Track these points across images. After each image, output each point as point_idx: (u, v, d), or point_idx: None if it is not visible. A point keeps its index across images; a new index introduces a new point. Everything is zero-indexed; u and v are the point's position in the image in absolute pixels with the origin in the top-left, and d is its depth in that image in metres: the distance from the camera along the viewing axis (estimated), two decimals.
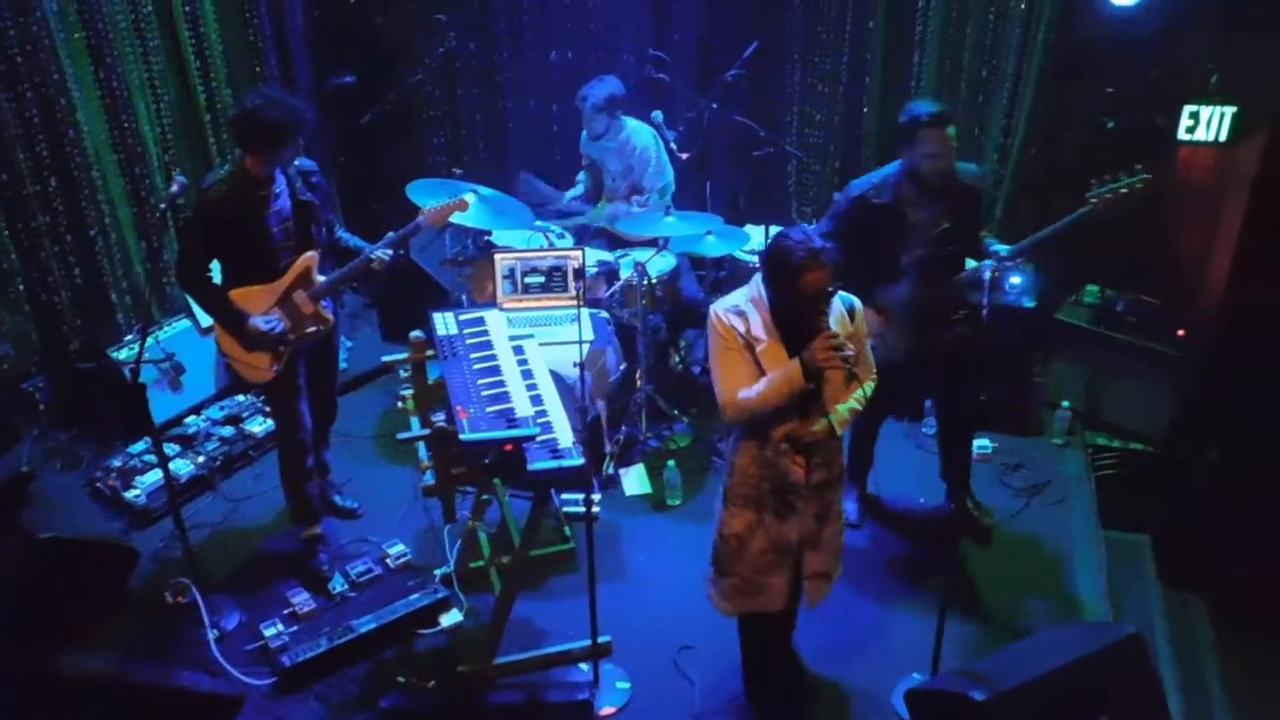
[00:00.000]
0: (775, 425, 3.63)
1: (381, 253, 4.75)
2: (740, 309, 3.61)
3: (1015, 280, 5.79)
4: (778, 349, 3.56)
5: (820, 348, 3.41)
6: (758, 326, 3.57)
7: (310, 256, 4.65)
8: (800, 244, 3.41)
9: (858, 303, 3.73)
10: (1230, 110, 5.71)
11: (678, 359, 6.54)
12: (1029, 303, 5.82)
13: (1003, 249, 4.47)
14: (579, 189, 6.70)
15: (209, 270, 4.57)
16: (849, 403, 3.69)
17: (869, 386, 3.74)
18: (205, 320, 6.21)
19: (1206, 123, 5.80)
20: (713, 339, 3.65)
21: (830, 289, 3.49)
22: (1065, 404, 5.92)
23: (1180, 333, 5.73)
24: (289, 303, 4.65)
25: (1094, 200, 4.24)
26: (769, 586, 3.84)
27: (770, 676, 4.28)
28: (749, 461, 3.72)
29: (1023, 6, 6.10)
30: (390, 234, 4.78)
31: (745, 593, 3.87)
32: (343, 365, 5.90)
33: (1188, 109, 5.83)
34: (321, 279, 4.70)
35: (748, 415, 3.61)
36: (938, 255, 4.48)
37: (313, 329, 4.72)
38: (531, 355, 4.25)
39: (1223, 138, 5.80)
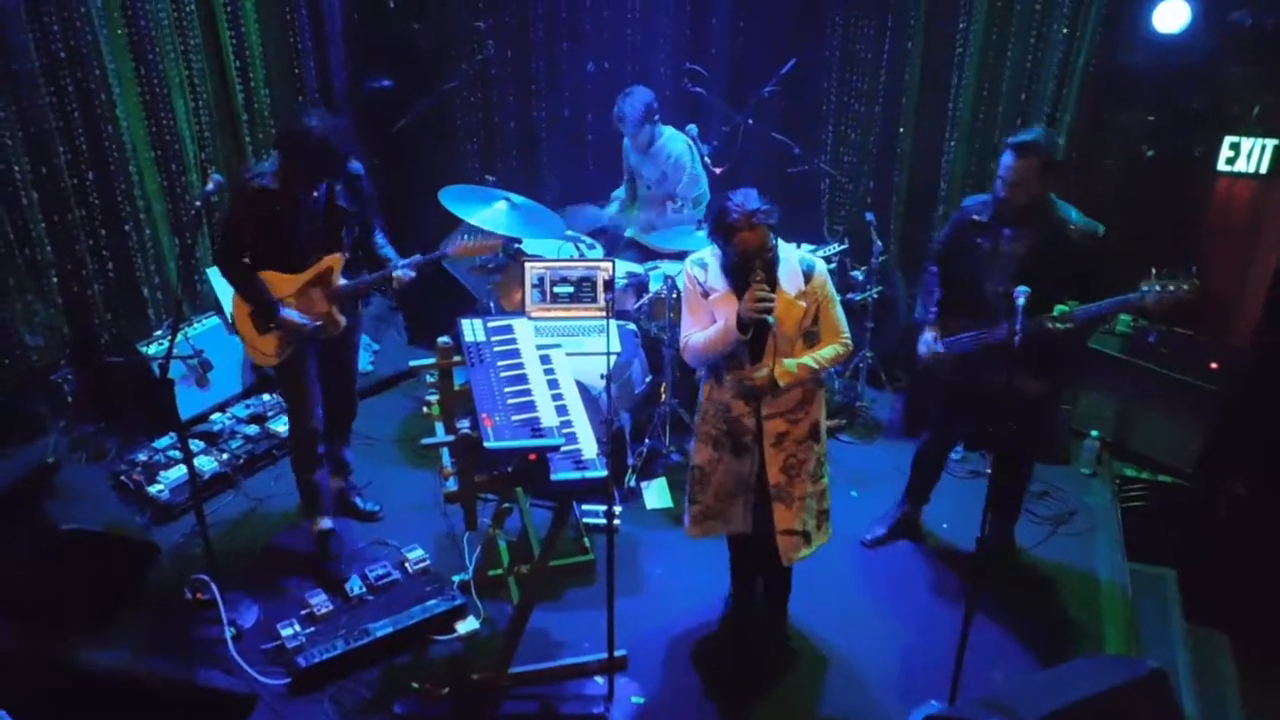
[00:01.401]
0: (727, 369, 4.03)
1: (404, 271, 4.75)
2: (704, 261, 4.06)
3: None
4: (729, 298, 3.93)
5: (748, 299, 3.76)
6: (714, 277, 4.00)
7: (335, 258, 4.66)
8: (737, 206, 3.77)
9: (818, 265, 3.99)
10: (1271, 143, 5.68)
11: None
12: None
13: (1055, 311, 4.33)
14: (615, 205, 6.70)
15: (246, 254, 4.60)
16: (804, 359, 3.96)
17: (831, 350, 4.02)
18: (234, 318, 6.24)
19: (1247, 155, 5.77)
20: (683, 288, 4.16)
21: (765, 248, 3.78)
22: (1094, 433, 5.86)
23: (1213, 365, 5.66)
24: (305, 297, 4.67)
25: (1145, 291, 4.15)
26: (732, 510, 4.23)
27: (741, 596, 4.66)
28: (708, 400, 4.19)
29: (1064, 31, 6.06)
30: (418, 255, 4.79)
31: (710, 517, 4.30)
32: (368, 368, 5.92)
33: (1228, 140, 5.80)
34: (343, 282, 4.72)
35: (696, 356, 4.10)
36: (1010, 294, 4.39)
37: (318, 325, 4.71)
38: (558, 365, 4.24)
39: (1263, 170, 5.76)
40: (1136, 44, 5.89)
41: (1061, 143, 4.37)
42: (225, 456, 5.64)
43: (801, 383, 4.01)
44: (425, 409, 4.26)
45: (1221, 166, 5.87)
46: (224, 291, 6.25)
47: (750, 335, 3.87)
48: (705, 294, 4.00)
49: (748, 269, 3.80)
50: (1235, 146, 5.80)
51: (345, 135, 4.47)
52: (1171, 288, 4.10)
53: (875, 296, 6.14)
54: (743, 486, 4.16)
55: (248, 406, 6.09)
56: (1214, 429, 5.59)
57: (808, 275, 3.95)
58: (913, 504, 5.31)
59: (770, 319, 3.78)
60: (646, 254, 6.36)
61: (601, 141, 7.24)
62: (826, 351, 4.01)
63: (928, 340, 4.74)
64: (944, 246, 4.81)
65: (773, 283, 3.83)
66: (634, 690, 4.37)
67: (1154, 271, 4.13)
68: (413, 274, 4.76)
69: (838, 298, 4.06)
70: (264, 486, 5.68)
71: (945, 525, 5.40)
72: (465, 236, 4.95)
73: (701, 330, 4.02)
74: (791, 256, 3.97)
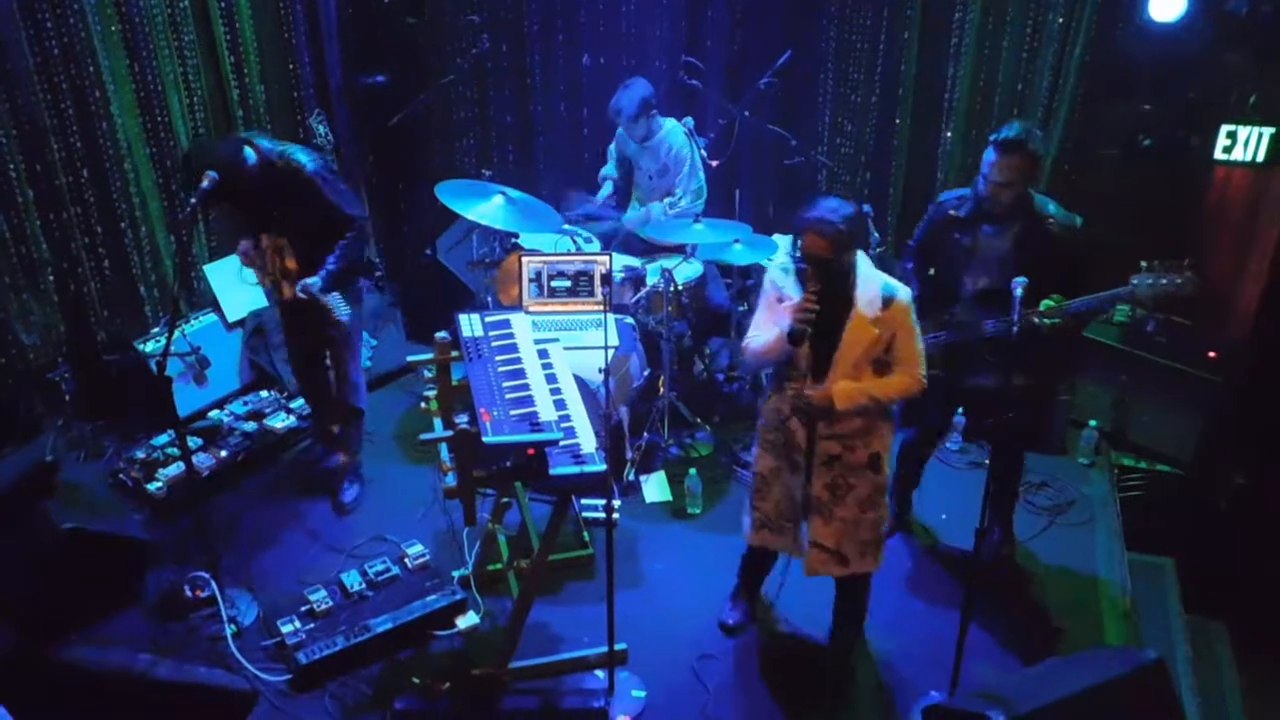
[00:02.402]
0: (788, 380, 3.97)
1: (299, 286, 4.88)
2: (787, 268, 3.97)
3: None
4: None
5: (794, 307, 3.76)
6: (791, 285, 3.90)
7: (277, 239, 4.93)
8: (812, 210, 3.76)
9: (901, 294, 3.83)
10: (1268, 131, 5.67)
11: (702, 367, 6.52)
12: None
13: (1041, 306, 4.30)
14: (609, 188, 6.68)
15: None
16: (866, 385, 3.85)
17: (899, 382, 3.89)
18: (232, 315, 6.24)
19: (1244, 143, 5.76)
20: (762, 289, 4.08)
21: (827, 259, 3.71)
22: (1092, 424, 5.86)
23: (1211, 355, 5.66)
24: (259, 249, 4.97)
25: (1135, 284, 4.13)
26: (788, 531, 4.21)
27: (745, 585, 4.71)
28: (769, 408, 4.12)
29: (1060, 21, 6.06)
30: (315, 279, 4.89)
31: (768, 528, 4.27)
32: (366, 364, 5.91)
33: (1225, 129, 5.80)
34: (290, 265, 4.95)
35: (750, 359, 4.10)
36: (994, 290, 4.34)
37: (270, 281, 5.01)
38: (556, 359, 4.23)
39: (1260, 159, 5.76)
40: (1133, 33, 5.89)
41: (1040, 135, 4.32)
42: (224, 453, 5.63)
43: (862, 409, 3.90)
44: (423, 404, 4.25)
45: (1218, 155, 5.86)
46: (221, 288, 6.25)
47: (801, 347, 3.82)
48: (780, 299, 3.92)
49: (810, 275, 3.76)
50: (1232, 135, 5.80)
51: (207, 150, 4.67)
52: (1164, 281, 4.09)
53: None
54: (796, 507, 4.12)
55: (246, 403, 6.08)
56: (1212, 419, 5.59)
57: (888, 301, 3.81)
58: (900, 509, 5.28)
59: (806, 329, 3.72)
60: (644, 247, 6.35)
61: (598, 135, 7.23)
62: (893, 382, 3.90)
63: None
64: (920, 242, 4.77)
65: (840, 299, 3.79)
66: (634, 684, 4.37)
67: (1144, 264, 4.12)
68: (301, 295, 4.87)
69: (918, 331, 3.93)
70: (264, 482, 5.68)
71: (944, 516, 5.40)
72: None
73: (763, 335, 3.97)
74: (874, 280, 3.84)
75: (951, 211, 4.51)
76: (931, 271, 4.67)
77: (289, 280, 4.96)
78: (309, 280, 4.87)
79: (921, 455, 5.20)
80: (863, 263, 3.86)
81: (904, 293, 3.85)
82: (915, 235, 4.85)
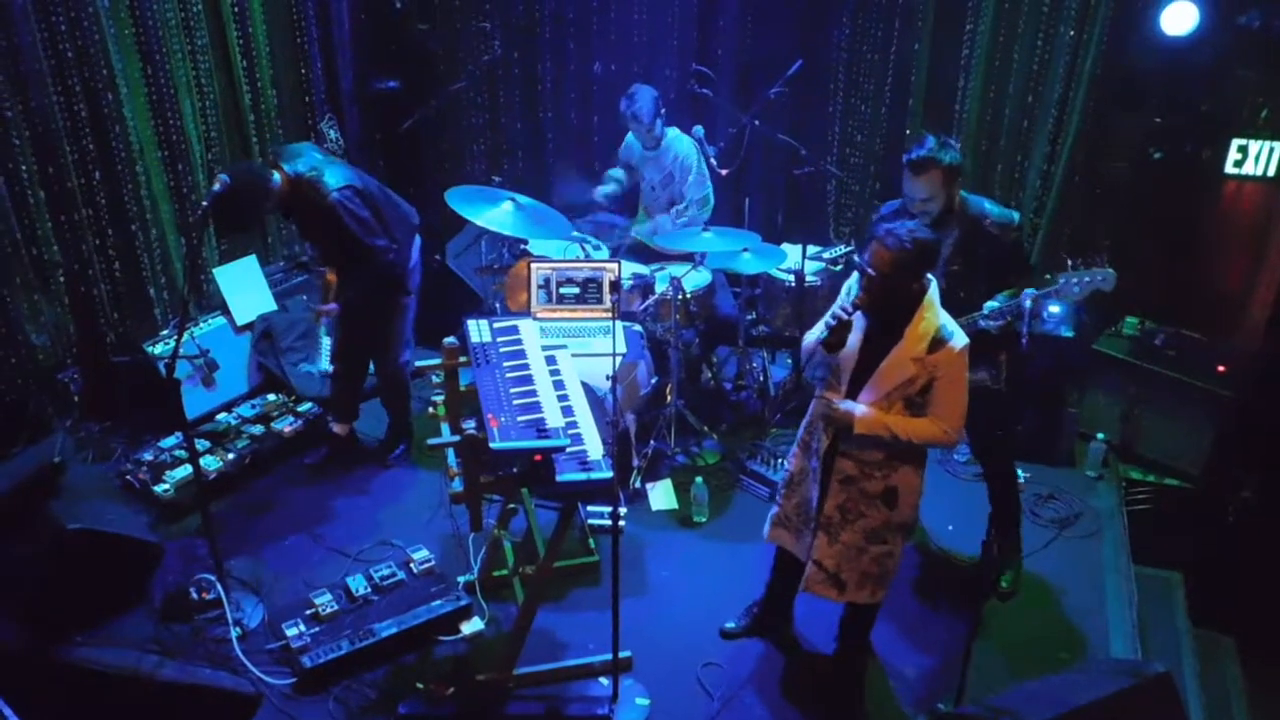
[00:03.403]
0: (825, 388, 3.95)
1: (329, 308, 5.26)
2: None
3: (1054, 309, 5.74)
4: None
5: (831, 311, 3.74)
6: (849, 292, 3.84)
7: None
8: (890, 222, 3.72)
9: (955, 341, 3.68)
10: None
11: (709, 375, 6.52)
12: (1067, 332, 5.76)
13: (992, 305, 4.29)
14: (611, 185, 6.68)
15: None
16: (887, 416, 3.75)
17: (924, 426, 3.76)
18: (240, 318, 6.26)
19: (1255, 157, 5.76)
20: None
21: (885, 273, 3.61)
22: (1100, 436, 5.84)
23: (1220, 369, 5.65)
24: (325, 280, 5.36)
25: (1062, 280, 4.12)
26: (803, 537, 4.15)
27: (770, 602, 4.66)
28: (810, 411, 4.08)
29: (1071, 34, 6.05)
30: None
31: (784, 526, 4.26)
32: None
33: (1236, 142, 5.79)
34: (330, 277, 5.30)
35: (803, 353, 4.01)
36: (947, 297, 4.38)
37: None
38: (564, 366, 4.24)
39: (1270, 172, 5.76)
40: (1144, 46, 5.88)
41: (955, 143, 4.30)
42: (231, 456, 5.63)
43: (881, 442, 3.80)
44: (431, 409, 4.25)
45: (1229, 169, 5.86)
46: (230, 292, 6.27)
47: (837, 354, 3.79)
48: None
49: (865, 286, 3.68)
50: (1243, 149, 5.79)
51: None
52: (1088, 278, 4.07)
53: None
54: (810, 513, 4.07)
55: (253, 406, 6.08)
56: (1221, 432, 5.58)
57: (937, 344, 3.66)
58: None
59: (825, 334, 3.72)
60: (652, 255, 6.36)
61: (608, 143, 7.24)
62: (920, 425, 3.75)
63: None
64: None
65: (897, 325, 3.69)
66: (638, 691, 4.36)
67: (1070, 262, 4.11)
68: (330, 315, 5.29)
69: (966, 384, 3.77)
70: (270, 486, 5.68)
71: (950, 528, 5.39)
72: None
73: (815, 333, 3.93)
74: (934, 320, 3.68)
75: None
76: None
77: (327, 293, 5.26)
78: (328, 307, 5.20)
79: None
80: (930, 297, 3.71)
81: (958, 340, 3.69)
82: (860, 255, 4.75)
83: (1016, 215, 4.37)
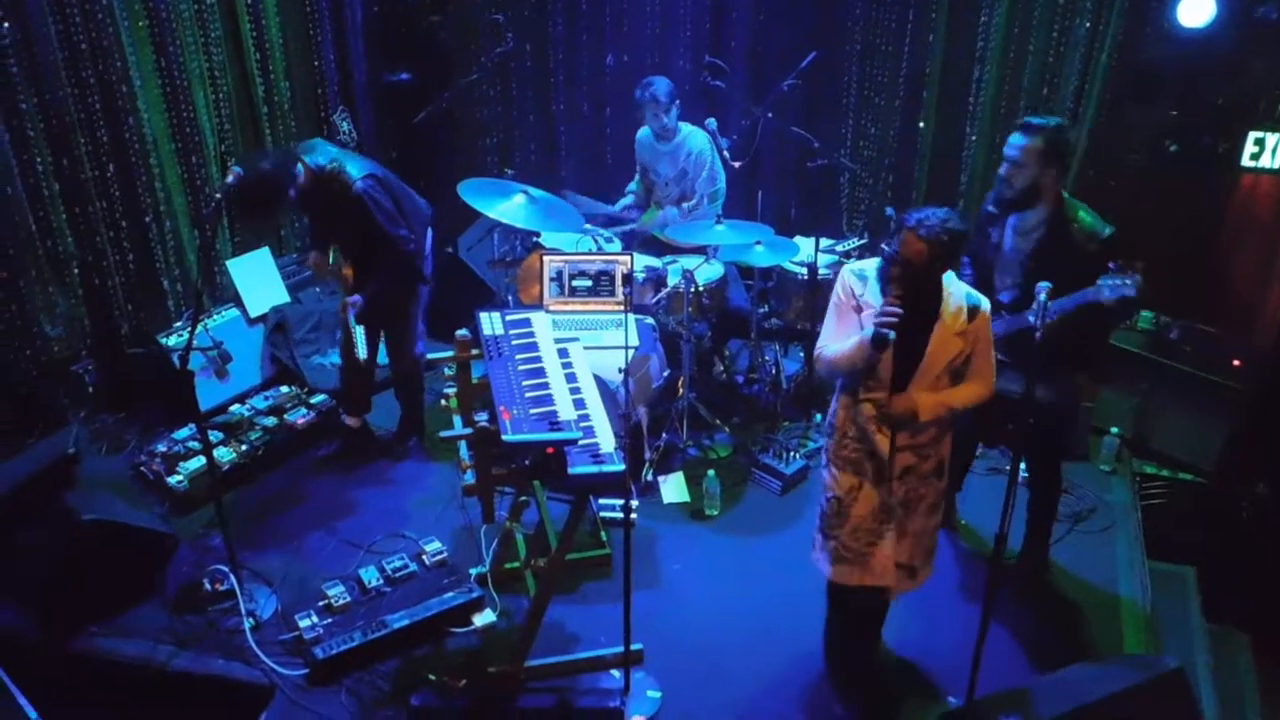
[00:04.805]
0: (864, 391, 3.84)
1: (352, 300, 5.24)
2: (865, 273, 3.83)
3: None
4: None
5: (880, 311, 3.60)
6: (873, 293, 3.75)
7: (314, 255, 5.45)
8: (920, 211, 3.62)
9: (984, 305, 3.78)
10: None
11: (721, 368, 6.52)
12: None
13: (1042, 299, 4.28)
14: (629, 199, 6.69)
15: None
16: (945, 396, 3.78)
17: (972, 391, 3.83)
18: (254, 310, 6.28)
19: (1271, 150, 5.71)
20: (833, 293, 3.90)
21: (921, 264, 3.57)
22: (1114, 430, 5.82)
23: (1236, 363, 5.62)
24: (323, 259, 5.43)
25: (1101, 284, 4.09)
26: (872, 557, 3.99)
27: (852, 657, 4.45)
28: (843, 421, 3.95)
29: (1087, 25, 6.02)
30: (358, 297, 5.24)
31: (848, 561, 4.03)
32: (385, 359, 5.96)
33: (1253, 135, 5.75)
34: (347, 272, 5.32)
35: (829, 369, 3.89)
36: (1020, 292, 4.36)
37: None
38: (576, 359, 4.24)
39: None
40: (1160, 38, 5.85)
41: (1075, 139, 4.28)
42: (244, 448, 5.65)
43: (938, 419, 3.84)
44: (443, 402, 4.27)
45: (1245, 162, 5.82)
46: (244, 283, 6.29)
47: (883, 355, 3.70)
48: (859, 308, 3.78)
49: (896, 278, 3.63)
50: (1260, 142, 5.74)
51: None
52: (1121, 284, 4.05)
53: None
54: (887, 520, 3.95)
55: (267, 398, 6.10)
56: (1236, 427, 5.54)
57: (973, 312, 3.74)
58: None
59: (890, 334, 3.57)
60: (664, 248, 6.35)
61: (620, 135, 7.24)
62: (966, 391, 3.82)
63: None
64: (973, 240, 4.71)
65: (926, 308, 3.69)
66: (650, 684, 4.36)
67: (1110, 267, 4.09)
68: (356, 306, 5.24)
69: (994, 341, 3.88)
70: (283, 477, 5.71)
71: (964, 522, 5.37)
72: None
73: (839, 343, 3.81)
74: (959, 291, 3.76)
75: (990, 208, 4.52)
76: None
77: (346, 287, 5.27)
78: (353, 299, 5.17)
79: (967, 451, 5.23)
80: (951, 275, 3.77)
81: (986, 304, 3.79)
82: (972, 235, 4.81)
83: (1109, 230, 4.28)
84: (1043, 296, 3.66)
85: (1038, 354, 3.56)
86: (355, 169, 5.02)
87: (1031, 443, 4.55)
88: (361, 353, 5.38)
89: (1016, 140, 4.25)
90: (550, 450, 3.69)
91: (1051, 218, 4.31)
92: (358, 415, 5.86)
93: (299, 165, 4.94)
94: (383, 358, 5.82)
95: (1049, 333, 3.57)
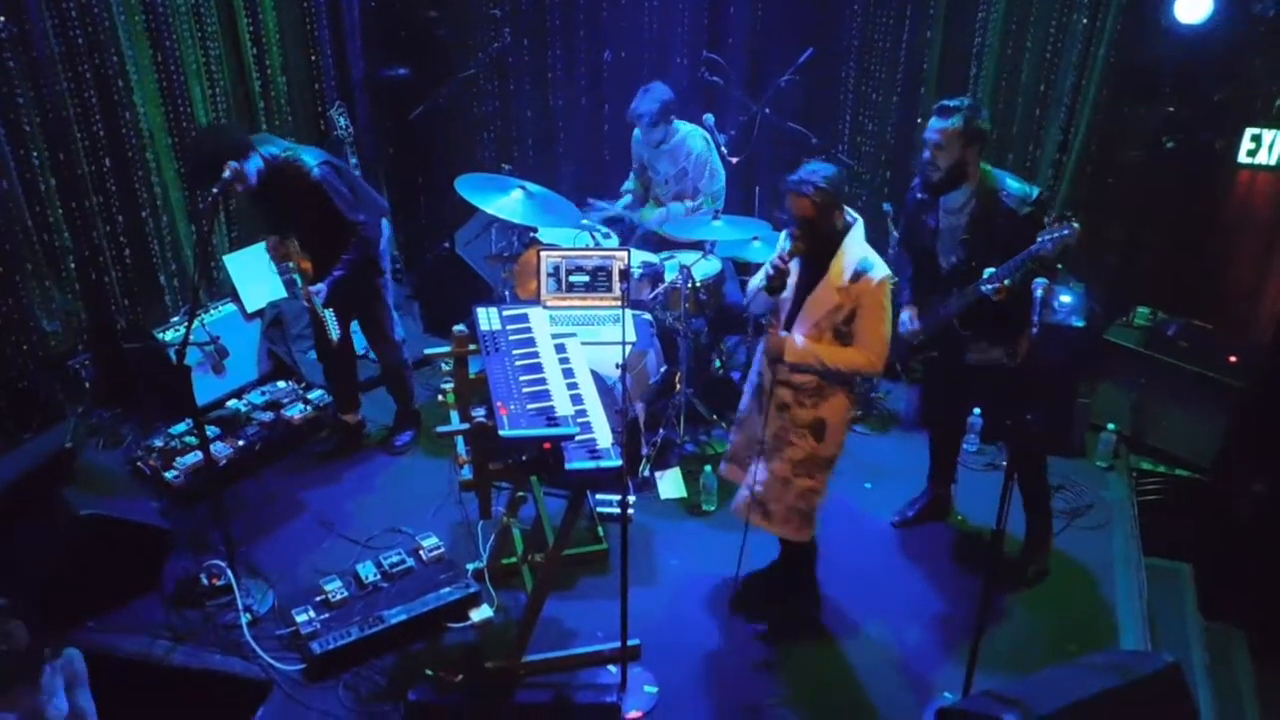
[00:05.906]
0: (769, 325, 4.24)
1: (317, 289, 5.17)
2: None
3: (1065, 299, 5.73)
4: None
5: (769, 262, 4.07)
6: (782, 243, 4.19)
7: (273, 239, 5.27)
8: (795, 172, 4.00)
9: (874, 272, 3.97)
10: None
11: (718, 364, 6.51)
12: (1078, 322, 5.75)
13: (990, 270, 4.29)
14: (627, 198, 6.68)
15: None
16: (815, 345, 4.04)
17: (849, 355, 4.04)
18: (251, 305, 6.27)
19: (1268, 146, 5.72)
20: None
21: (804, 218, 3.95)
22: (1111, 426, 5.82)
23: (1232, 359, 5.62)
24: (283, 245, 5.25)
25: (1041, 239, 4.07)
26: (747, 469, 4.40)
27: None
28: (759, 351, 4.37)
29: (1084, 22, 6.02)
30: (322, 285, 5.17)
31: (735, 461, 4.55)
32: (372, 355, 5.98)
33: (1249, 132, 5.76)
34: (305, 265, 5.24)
35: (746, 294, 4.41)
36: (965, 268, 4.46)
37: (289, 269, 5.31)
38: (573, 354, 4.24)
39: None
40: (1157, 35, 5.85)
41: (987, 114, 4.33)
42: (241, 443, 5.65)
43: (811, 369, 4.09)
44: (440, 397, 4.26)
45: (1242, 159, 5.83)
46: (241, 278, 6.28)
47: (775, 294, 4.09)
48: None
49: (793, 234, 4.01)
50: (1257, 139, 5.76)
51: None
52: (1065, 234, 4.05)
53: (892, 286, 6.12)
54: (759, 448, 4.28)
55: (264, 393, 6.09)
56: (1233, 423, 5.54)
57: (857, 275, 3.95)
58: (939, 486, 5.35)
59: (771, 283, 4.04)
60: (661, 243, 6.34)
61: (618, 130, 7.22)
62: (845, 353, 4.05)
63: (904, 320, 4.78)
64: (903, 234, 4.94)
65: (822, 261, 3.99)
66: (647, 679, 4.37)
67: (1045, 222, 4.14)
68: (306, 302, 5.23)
69: (887, 315, 4.04)
70: (280, 472, 5.71)
71: (960, 517, 5.38)
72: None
73: (757, 280, 4.25)
74: (856, 253, 3.99)
75: (919, 194, 4.60)
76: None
77: (306, 279, 5.20)
78: (315, 287, 5.13)
79: (951, 442, 5.33)
80: (854, 234, 4.02)
81: (878, 272, 3.97)
82: (901, 222, 5.06)
83: (1035, 191, 4.36)
84: (1039, 293, 3.73)
85: (1031, 335, 3.79)
86: (310, 157, 5.03)
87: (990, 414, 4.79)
88: (334, 333, 5.28)
89: (936, 124, 4.32)
90: (547, 446, 3.69)
91: (978, 190, 4.39)
92: (353, 411, 5.86)
93: (255, 155, 4.86)
94: (373, 355, 5.82)
95: (1008, 296, 4.01)
